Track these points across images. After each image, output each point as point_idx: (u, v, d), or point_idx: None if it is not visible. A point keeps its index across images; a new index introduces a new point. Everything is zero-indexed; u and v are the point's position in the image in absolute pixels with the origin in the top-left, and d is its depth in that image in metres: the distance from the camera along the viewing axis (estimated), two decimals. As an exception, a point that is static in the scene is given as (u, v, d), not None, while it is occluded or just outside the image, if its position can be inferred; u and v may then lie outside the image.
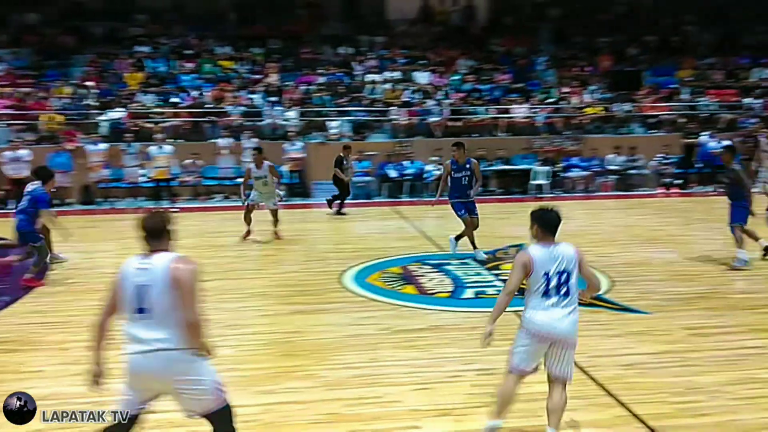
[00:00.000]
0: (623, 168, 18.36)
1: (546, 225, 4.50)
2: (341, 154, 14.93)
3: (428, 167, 17.74)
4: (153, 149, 16.12)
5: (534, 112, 19.70)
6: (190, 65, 20.79)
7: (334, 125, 18.73)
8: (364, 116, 19.30)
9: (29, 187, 9.04)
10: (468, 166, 10.14)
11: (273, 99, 19.41)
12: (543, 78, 21.49)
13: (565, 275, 4.35)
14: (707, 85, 21.38)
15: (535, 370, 4.53)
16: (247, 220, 11.71)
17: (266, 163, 11.69)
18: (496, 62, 22.03)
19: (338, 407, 5.05)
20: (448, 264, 9.62)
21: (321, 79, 20.50)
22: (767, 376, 5.54)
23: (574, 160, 18.50)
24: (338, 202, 14.83)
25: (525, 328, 4.43)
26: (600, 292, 4.54)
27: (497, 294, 8.08)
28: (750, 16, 24.88)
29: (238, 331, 6.87)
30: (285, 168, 17.20)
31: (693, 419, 4.84)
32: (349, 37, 22.91)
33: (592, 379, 5.56)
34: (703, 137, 18.36)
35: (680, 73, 21.90)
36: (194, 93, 19.48)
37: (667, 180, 18.14)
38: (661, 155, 18.46)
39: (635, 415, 4.90)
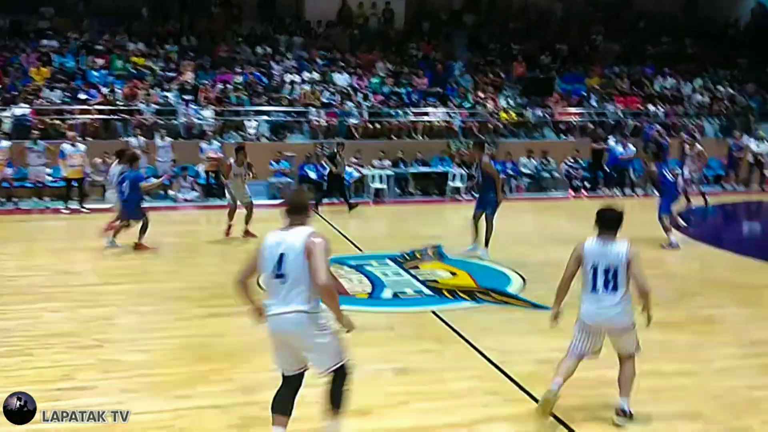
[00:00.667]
0: (536, 171, 18.92)
1: (602, 222, 4.88)
2: (335, 150, 15.52)
3: (348, 169, 17.71)
4: (67, 147, 15.34)
5: (451, 116, 20.03)
6: (100, 61, 20.00)
7: (252, 125, 18.46)
8: (282, 117, 19.10)
9: None
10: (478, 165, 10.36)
11: (188, 97, 18.93)
12: (459, 83, 21.89)
13: (612, 271, 4.68)
14: (614, 92, 22.32)
15: (596, 354, 4.94)
16: (231, 216, 11.70)
17: (247, 161, 11.82)
18: (414, 66, 22.28)
19: (256, 411, 4.96)
20: (368, 265, 9.63)
21: (238, 78, 20.16)
22: (671, 369, 5.81)
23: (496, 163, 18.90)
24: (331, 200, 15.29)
25: (580, 320, 4.89)
26: (648, 293, 4.73)
27: (416, 294, 8.21)
28: (654, 27, 26.19)
29: (152, 336, 6.66)
30: (200, 168, 16.82)
31: (603, 411, 5.02)
32: (267, 36, 22.65)
33: (507, 375, 5.68)
34: (611, 142, 19.14)
35: (589, 81, 22.77)
36: (105, 90, 18.75)
37: (577, 183, 18.80)
38: (572, 159, 19.14)
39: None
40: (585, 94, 22.03)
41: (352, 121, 19.02)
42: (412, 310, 7.66)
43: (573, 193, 18.36)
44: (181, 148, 17.10)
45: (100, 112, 17.95)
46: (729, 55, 25.36)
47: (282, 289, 4.11)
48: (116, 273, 9.26)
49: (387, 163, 18.01)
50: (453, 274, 9.12)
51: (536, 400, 5.17)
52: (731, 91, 23.16)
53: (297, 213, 4.28)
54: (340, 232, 12.33)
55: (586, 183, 18.88)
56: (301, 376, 4.30)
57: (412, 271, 9.29)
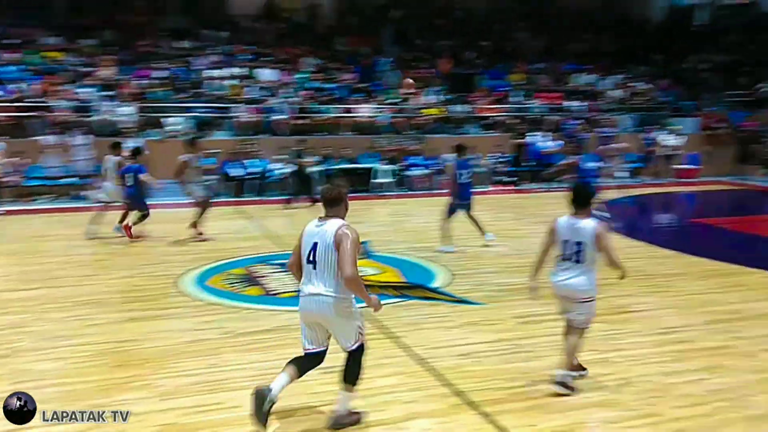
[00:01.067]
0: (462, 166, 19.14)
1: (574, 200, 5.27)
2: (299, 148, 15.75)
3: (273, 166, 17.50)
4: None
5: (377, 112, 20.04)
6: (12, 56, 19.07)
7: (174, 122, 17.98)
8: (205, 113, 18.69)
9: None
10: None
11: (107, 93, 18.28)
12: (386, 79, 21.93)
13: (580, 246, 5.12)
14: (536, 88, 22.84)
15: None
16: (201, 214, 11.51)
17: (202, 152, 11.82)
18: (341, 61, 22.19)
19: (175, 417, 4.82)
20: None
21: (160, 74, 19.60)
22: (587, 358, 5.94)
23: (416, 159, 19.04)
24: (299, 197, 15.26)
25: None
26: (617, 264, 5.19)
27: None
28: (574, 25, 26.93)
29: (66, 343, 6.38)
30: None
31: (523, 402, 5.11)
32: (190, 30, 22.10)
33: (431, 369, 5.71)
34: (535, 137, 19.57)
35: (512, 77, 23.22)
36: (17, 86, 17.89)
37: (501, 177, 19.15)
38: (496, 154, 19.48)
39: (471, 403, 5.09)
40: (508, 90, 22.45)
41: (279, 117, 18.79)
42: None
43: (497, 188, 18.69)
44: (99, 146, 16.48)
45: (13, 109, 17.13)
46: (644, 52, 26.34)
47: (313, 273, 4.53)
48: (27, 278, 8.85)
49: (315, 159, 17.87)
50: (380, 270, 9.13)
51: (459, 393, 5.23)
52: (647, 86, 24.03)
53: (332, 205, 4.61)
54: (266, 232, 12.17)
55: (509, 177, 19.25)
56: (319, 356, 4.69)
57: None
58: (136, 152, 11.74)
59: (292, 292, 8.11)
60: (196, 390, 5.31)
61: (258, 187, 17.39)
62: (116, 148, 11.93)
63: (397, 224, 13.67)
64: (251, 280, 8.72)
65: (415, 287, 8.27)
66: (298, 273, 4.71)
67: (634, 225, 14.55)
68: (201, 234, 11.39)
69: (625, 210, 16.52)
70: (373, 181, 17.91)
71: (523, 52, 25.07)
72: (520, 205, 15.90)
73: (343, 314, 4.53)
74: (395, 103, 20.60)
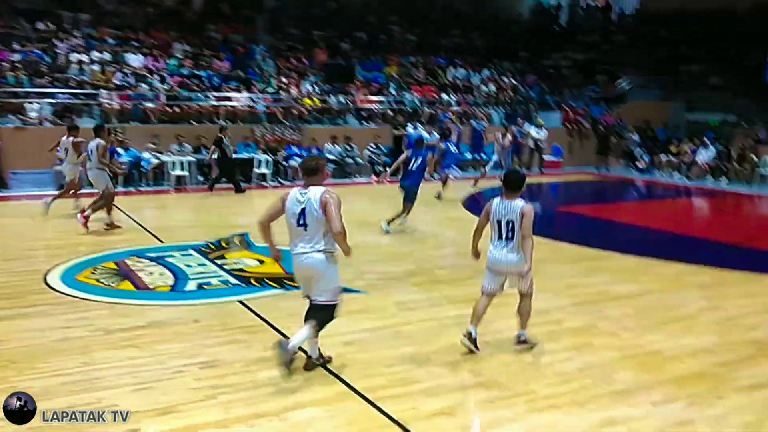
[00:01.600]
0: (340, 157, 19.22)
1: (506, 184, 5.87)
2: (220, 135, 15.61)
3: (145, 155, 16.75)
4: None
5: (254, 101, 19.68)
6: None
7: (34, 108, 16.77)
8: (69, 99, 17.57)
9: None
10: None
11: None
12: (262, 67, 21.57)
13: (511, 224, 5.71)
14: (411, 81, 23.28)
15: (500, 289, 5.97)
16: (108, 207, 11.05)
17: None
18: (214, 49, 21.57)
19: (41, 420, 4.53)
20: (169, 256, 9.19)
21: (17, 57, 18.21)
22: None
23: (295, 150, 18.89)
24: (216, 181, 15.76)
25: (487, 265, 5.92)
26: (529, 244, 5.76)
27: (222, 284, 7.98)
28: (446, 20, 27.67)
29: None
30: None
31: (405, 387, 5.23)
32: (50, 11, 20.67)
33: (315, 359, 5.71)
34: (410, 129, 19.95)
35: (387, 69, 23.54)
36: None
37: (379, 168, 19.39)
38: (374, 145, 19.70)
39: (355, 390, 5.14)
40: (384, 82, 22.74)
41: (148, 104, 18.01)
42: (218, 301, 7.43)
43: (375, 178, 18.91)
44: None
45: None
46: (512, 48, 27.53)
47: (305, 234, 5.24)
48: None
49: (188, 148, 17.31)
50: (261, 262, 9.00)
51: (343, 381, 5.27)
52: (514, 81, 25.14)
53: (312, 174, 5.33)
54: (138, 224, 11.65)
55: (388, 168, 19.52)
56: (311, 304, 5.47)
57: (218, 261, 9.02)
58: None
59: (165, 286, 7.84)
60: (67, 390, 5.02)
61: (127, 177, 16.58)
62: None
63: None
64: (124, 273, 8.33)
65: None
66: (265, 231, 5.43)
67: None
68: (113, 224, 11.00)
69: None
70: (254, 171, 17.58)
71: (397, 45, 25.47)
72: (399, 195, 16.11)
73: (329, 271, 5.29)
74: (272, 93, 20.32)
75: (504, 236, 5.78)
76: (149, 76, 19.13)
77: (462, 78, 24.50)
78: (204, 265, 8.87)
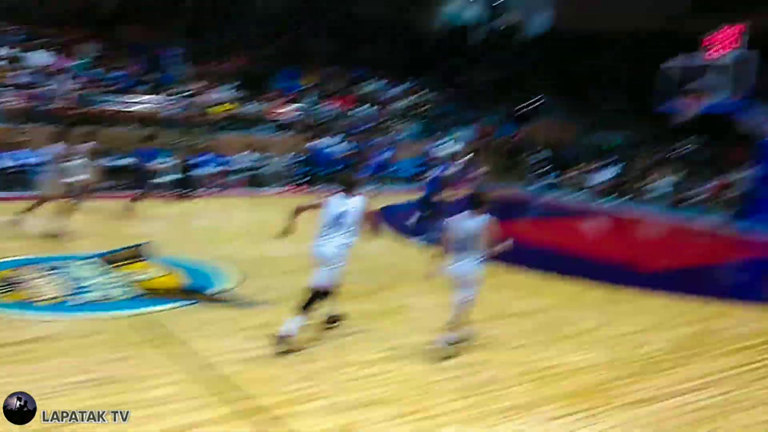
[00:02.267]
0: (254, 166, 18.96)
1: (470, 202, 6.41)
2: (146, 140, 15.03)
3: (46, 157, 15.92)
4: None
5: (165, 105, 19.14)
6: None
7: None
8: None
9: None
10: None
11: None
12: (175, 71, 21.02)
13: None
14: (328, 92, 23.25)
15: None
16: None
17: None
18: (125, 50, 20.87)
19: None
20: (66, 266, 8.77)
21: None
22: (374, 357, 6.22)
23: (206, 157, 18.48)
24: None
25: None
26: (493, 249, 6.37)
27: (120, 296, 7.67)
28: (364, 33, 27.84)
29: None
30: None
31: (309, 404, 5.19)
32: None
33: (215, 377, 5.58)
34: (324, 140, 19.92)
35: (304, 79, 23.42)
36: None
37: (294, 179, 19.24)
38: (289, 155, 19.55)
39: (256, 408, 5.06)
40: (301, 92, 22.62)
41: (54, 104, 17.20)
42: (114, 314, 7.14)
43: (291, 189, 18.77)
44: None
45: None
46: (428, 63, 27.97)
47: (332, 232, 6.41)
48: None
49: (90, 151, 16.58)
50: (161, 273, 8.72)
51: (246, 398, 5.16)
52: (430, 96, 25.51)
53: (350, 186, 6.56)
54: (36, 231, 11.08)
55: (303, 178, 19.40)
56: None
57: (117, 272, 8.68)
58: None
59: (54, 298, 7.46)
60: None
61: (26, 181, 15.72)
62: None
63: (184, 224, 13.19)
64: (13, 284, 7.88)
65: (197, 291, 8.03)
66: (297, 213, 6.56)
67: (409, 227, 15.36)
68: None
69: (406, 214, 17.43)
70: (157, 179, 17.03)
71: (315, 55, 25.39)
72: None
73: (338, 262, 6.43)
74: (184, 98, 19.82)
75: (463, 249, 6.29)
76: (55, 75, 18.30)
77: (380, 90, 24.67)
78: (102, 275, 8.51)
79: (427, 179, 14.62)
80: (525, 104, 26.01)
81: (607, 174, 21.56)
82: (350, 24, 28.00)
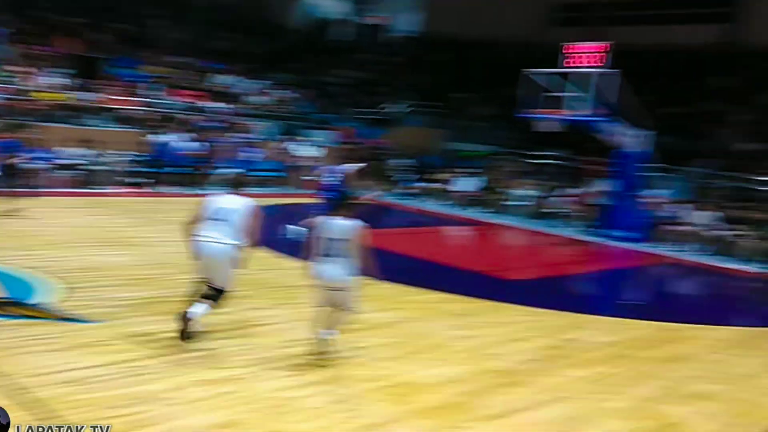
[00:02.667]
0: (84, 162, 17.90)
1: (338, 204, 6.86)
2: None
3: None
4: None
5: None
6: None
7: None
8: None
9: None
10: None
11: None
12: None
13: (339, 242, 6.53)
14: (175, 84, 22.48)
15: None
16: None
17: None
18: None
19: None
20: None
21: None
22: (214, 377, 6.02)
23: (30, 151, 17.21)
24: None
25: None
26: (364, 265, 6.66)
27: None
28: (217, 22, 27.23)
29: None
30: None
31: (144, 429, 4.93)
32: None
33: (31, 401, 5.18)
34: (170, 136, 19.22)
35: (147, 68, 22.50)
36: None
37: (133, 178, 18.40)
38: (126, 152, 18.64)
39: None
40: (143, 82, 21.72)
41: None
42: None
43: (129, 189, 17.94)
44: None
45: None
46: (287, 59, 27.83)
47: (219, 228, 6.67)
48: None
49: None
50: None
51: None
52: (289, 95, 25.33)
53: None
54: None
55: (145, 179, 18.59)
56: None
57: None
58: None
59: None
60: None
61: None
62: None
63: (0, 227, 12.22)
64: None
65: (11, 303, 7.44)
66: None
67: (267, 235, 15.15)
68: None
69: (271, 220, 17.15)
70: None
71: (161, 42, 24.49)
72: (153, 210, 15.45)
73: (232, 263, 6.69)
74: (5, 83, 18.42)
75: (331, 254, 6.51)
76: None
77: (230, 85, 24.16)
78: None
79: (323, 185, 13.97)
80: (388, 108, 26.51)
81: (471, 183, 22.39)
82: (202, 10, 27.30)
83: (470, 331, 8.36)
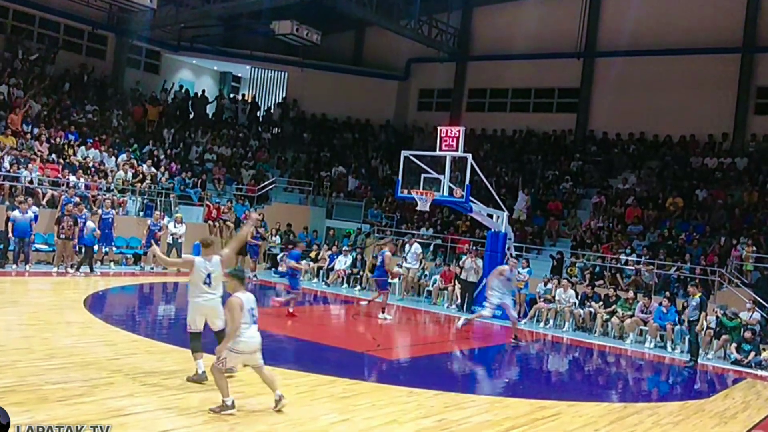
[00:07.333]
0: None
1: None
2: None
3: None
4: None
5: None
6: None
7: None
8: None
9: None
10: None
11: None
12: None
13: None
14: (31, 155, 21.20)
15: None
16: None
17: None
18: None
19: None
20: None
21: None
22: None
23: None
24: None
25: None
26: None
27: None
28: (80, 90, 26.27)
29: None
30: None
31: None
32: None
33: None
34: (15, 212, 18.06)
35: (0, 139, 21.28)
36: None
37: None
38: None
39: None
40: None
41: None
42: None
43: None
44: None
45: None
46: (153, 133, 27.19)
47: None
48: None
49: None
50: None
51: None
52: (154, 169, 24.51)
53: (208, 247, 8.92)
54: None
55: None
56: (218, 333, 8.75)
57: None
58: None
59: None
60: None
61: None
62: None
63: None
64: None
65: None
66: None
67: (131, 317, 14.53)
68: None
69: (123, 300, 16.52)
70: None
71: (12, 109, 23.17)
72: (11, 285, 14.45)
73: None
74: None
75: (254, 322, 7.86)
76: None
77: (94, 159, 23.16)
78: None
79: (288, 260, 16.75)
80: (258, 184, 26.40)
81: (344, 261, 22.52)
82: (57, 77, 26.28)
83: (350, 414, 8.28)
